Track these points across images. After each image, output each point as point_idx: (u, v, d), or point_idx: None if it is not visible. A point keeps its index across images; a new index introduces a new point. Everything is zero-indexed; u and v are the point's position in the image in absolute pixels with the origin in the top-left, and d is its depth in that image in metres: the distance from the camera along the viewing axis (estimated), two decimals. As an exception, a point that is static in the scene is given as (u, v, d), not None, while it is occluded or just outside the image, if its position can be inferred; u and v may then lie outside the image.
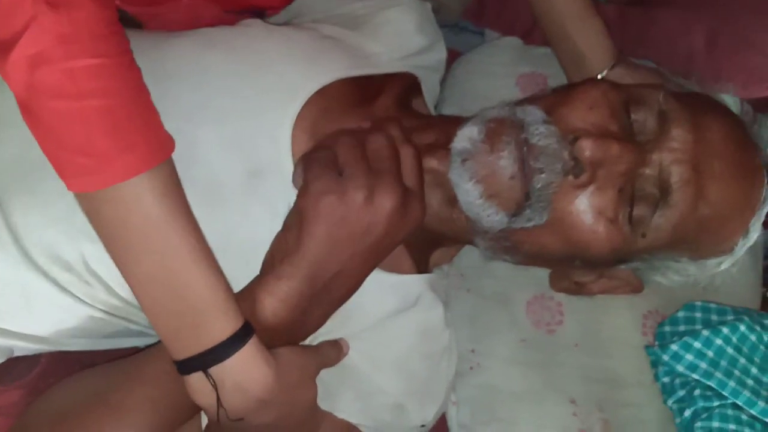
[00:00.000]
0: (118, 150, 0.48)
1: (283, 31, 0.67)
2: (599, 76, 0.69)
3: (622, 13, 0.85)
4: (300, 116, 0.62)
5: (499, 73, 0.83)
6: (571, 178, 0.56)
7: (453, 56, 0.84)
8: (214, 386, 0.52)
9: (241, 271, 0.56)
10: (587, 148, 0.54)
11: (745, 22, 0.79)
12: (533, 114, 0.58)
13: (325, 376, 0.59)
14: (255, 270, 0.58)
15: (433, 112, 0.77)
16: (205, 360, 0.52)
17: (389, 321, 0.64)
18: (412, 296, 0.65)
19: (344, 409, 0.61)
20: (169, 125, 0.53)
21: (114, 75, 0.49)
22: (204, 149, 0.60)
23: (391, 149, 0.56)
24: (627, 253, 0.59)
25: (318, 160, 0.55)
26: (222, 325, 0.52)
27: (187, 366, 0.52)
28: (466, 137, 0.58)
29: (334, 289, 0.56)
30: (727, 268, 0.64)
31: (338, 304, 0.58)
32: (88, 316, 0.63)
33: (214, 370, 0.52)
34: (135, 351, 0.66)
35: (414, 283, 0.65)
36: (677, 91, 0.63)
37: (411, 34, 0.73)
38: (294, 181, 0.58)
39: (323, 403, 0.60)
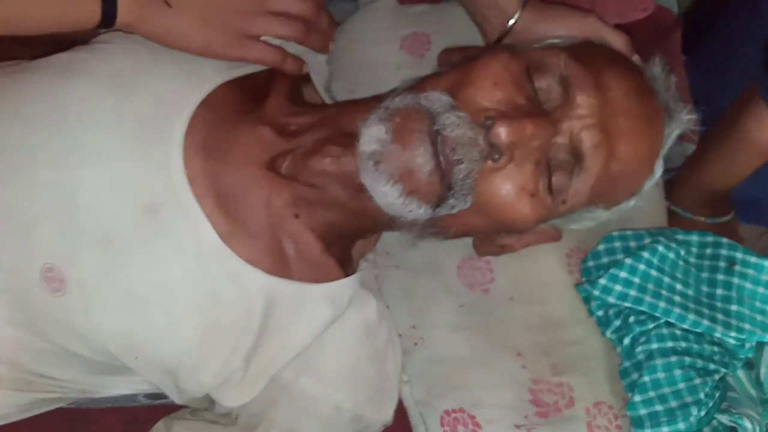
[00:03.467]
0: None
1: (146, 41, 0.60)
2: (510, 22, 0.67)
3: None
4: (188, 136, 0.57)
5: (382, 38, 0.80)
6: (490, 162, 0.55)
7: (330, 28, 0.79)
8: None
9: (162, 321, 0.52)
10: (503, 133, 0.54)
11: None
12: (439, 100, 0.56)
13: (284, 414, 0.57)
14: (177, 317, 0.53)
15: (324, 94, 0.73)
16: None
17: (328, 332, 0.61)
18: (344, 300, 0.63)
19: None
20: (43, 176, 0.47)
21: None
22: (87, 195, 0.55)
23: None
24: (550, 218, 0.61)
25: None
26: None
27: None
28: (373, 138, 0.56)
29: None
30: (635, 204, 0.66)
31: None
32: None
33: None
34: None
35: (343, 287, 0.63)
36: (574, 45, 0.62)
37: None
38: None
39: None
